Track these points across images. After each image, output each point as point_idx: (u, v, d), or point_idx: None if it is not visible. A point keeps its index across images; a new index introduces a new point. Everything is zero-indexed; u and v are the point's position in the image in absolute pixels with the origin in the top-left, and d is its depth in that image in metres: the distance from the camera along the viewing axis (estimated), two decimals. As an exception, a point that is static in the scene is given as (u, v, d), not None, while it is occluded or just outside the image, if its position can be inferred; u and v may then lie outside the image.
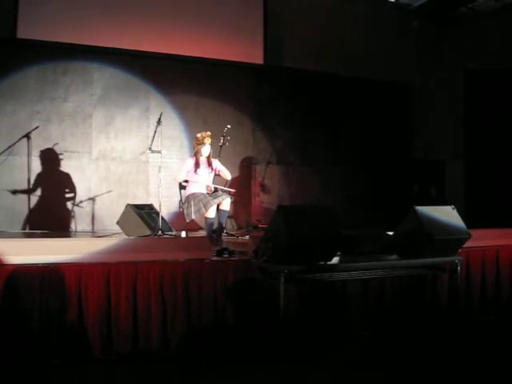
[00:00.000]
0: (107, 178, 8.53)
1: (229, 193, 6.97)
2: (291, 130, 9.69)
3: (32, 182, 8.00)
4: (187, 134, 8.92)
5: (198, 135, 7.08)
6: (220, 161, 7.32)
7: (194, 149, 7.17)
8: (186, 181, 7.03)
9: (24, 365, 4.08)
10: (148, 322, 4.44)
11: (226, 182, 7.32)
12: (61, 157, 8.20)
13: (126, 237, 6.65)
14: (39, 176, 8.09)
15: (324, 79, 9.90)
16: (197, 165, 6.96)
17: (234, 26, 9.23)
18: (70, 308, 4.26)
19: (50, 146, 8.15)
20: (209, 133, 7.06)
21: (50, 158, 8.16)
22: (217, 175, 7.19)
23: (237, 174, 9.16)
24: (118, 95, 8.64)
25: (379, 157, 10.28)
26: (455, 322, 5.18)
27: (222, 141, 7.71)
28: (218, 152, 7.61)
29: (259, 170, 9.56)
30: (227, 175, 7.23)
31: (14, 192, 7.85)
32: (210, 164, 7.06)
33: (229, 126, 7.70)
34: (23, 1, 7.86)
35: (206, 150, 7.00)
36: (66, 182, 8.27)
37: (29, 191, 7.95)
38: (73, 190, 8.28)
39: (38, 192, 8.06)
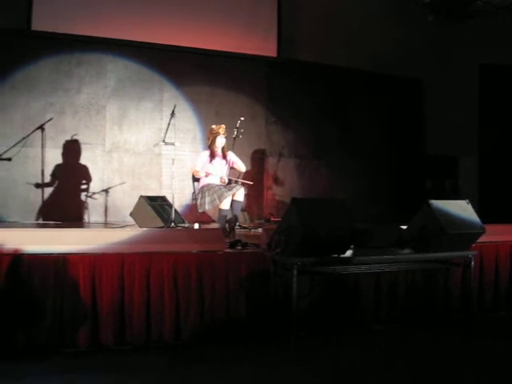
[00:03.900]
0: (120, 169, 8.56)
1: (243, 184, 6.95)
2: (304, 123, 9.66)
3: (45, 173, 8.02)
4: (200, 126, 8.93)
5: (213, 126, 7.08)
6: (233, 153, 7.31)
7: (208, 140, 7.16)
8: (206, 174, 6.99)
9: (38, 353, 4.12)
10: (161, 313, 4.46)
11: (239, 174, 7.31)
12: (74, 148, 8.23)
13: (140, 228, 6.67)
14: (53, 167, 8.12)
15: (337, 73, 9.86)
16: (212, 156, 6.96)
17: (247, 18, 9.22)
18: (84, 298, 4.28)
19: (63, 137, 8.19)
20: (223, 125, 7.07)
21: (63, 149, 8.20)
22: (231, 168, 7.15)
23: (249, 166, 9.14)
24: (132, 87, 8.65)
25: (392, 151, 10.24)
26: (468, 316, 5.16)
27: (235, 133, 7.65)
28: (231, 145, 7.58)
29: (272, 162, 9.56)
30: (242, 167, 7.20)
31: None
32: (224, 156, 7.05)
33: (242, 119, 7.64)
34: (38, -8, 7.90)
35: (220, 140, 6.99)
36: (80, 173, 8.31)
37: (42, 182, 7.98)
38: (86, 181, 8.32)
39: (52, 183, 8.10)
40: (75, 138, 8.24)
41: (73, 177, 8.29)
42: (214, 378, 3.90)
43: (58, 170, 8.14)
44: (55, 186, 8.11)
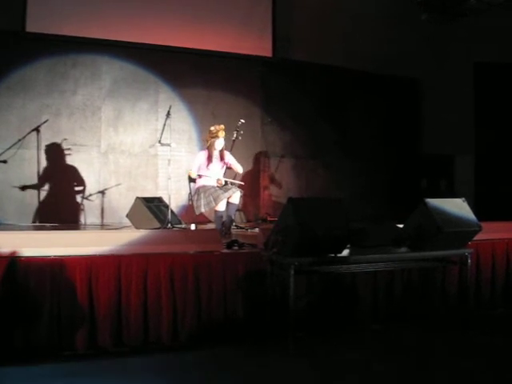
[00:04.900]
0: (116, 171, 8.53)
1: (238, 185, 6.93)
2: (301, 122, 9.64)
3: (41, 175, 8.00)
4: (196, 126, 8.90)
5: (212, 128, 6.94)
6: (230, 154, 7.27)
7: (206, 142, 7.04)
8: (199, 175, 6.92)
9: (36, 356, 4.11)
10: (158, 315, 4.46)
11: (235, 175, 7.29)
12: (70, 150, 8.20)
13: (136, 229, 6.66)
14: (48, 169, 8.09)
15: (333, 73, 9.86)
16: (209, 159, 6.85)
17: (243, 18, 9.19)
18: (81, 300, 4.28)
19: (59, 139, 8.14)
20: (222, 126, 6.91)
21: (59, 151, 8.17)
22: (228, 168, 7.11)
23: (246, 166, 9.10)
24: (127, 88, 8.62)
25: (389, 150, 10.24)
26: (465, 314, 5.17)
27: (235, 135, 7.58)
28: (230, 146, 7.51)
29: (268, 163, 9.55)
30: (239, 169, 7.15)
31: (23, 188, 7.87)
32: (222, 158, 6.94)
33: (242, 121, 7.59)
34: (32, -6, 7.88)
35: (219, 143, 6.88)
36: (75, 175, 8.27)
37: (38, 185, 7.96)
38: (82, 183, 8.28)
39: (48, 185, 8.06)
40: (71, 139, 8.21)
41: (68, 179, 8.25)
42: (212, 379, 3.90)
43: (53, 172, 8.12)
44: (51, 187, 8.08)
